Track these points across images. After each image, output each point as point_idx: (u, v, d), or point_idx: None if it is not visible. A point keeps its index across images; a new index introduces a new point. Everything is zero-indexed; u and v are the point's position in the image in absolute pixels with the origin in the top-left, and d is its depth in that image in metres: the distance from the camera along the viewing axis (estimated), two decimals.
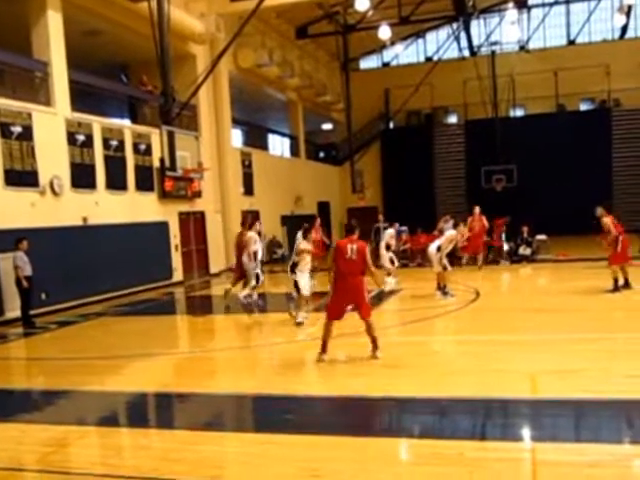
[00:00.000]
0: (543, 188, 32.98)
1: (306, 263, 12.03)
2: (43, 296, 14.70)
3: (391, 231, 17.30)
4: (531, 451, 5.50)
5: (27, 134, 15.10)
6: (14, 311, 13.99)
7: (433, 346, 10.05)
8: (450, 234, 14.60)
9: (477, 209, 20.16)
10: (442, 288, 14.23)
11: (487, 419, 6.65)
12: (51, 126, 15.91)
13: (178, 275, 20.57)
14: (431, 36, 38.56)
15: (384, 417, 6.95)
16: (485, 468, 5.12)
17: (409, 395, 7.13)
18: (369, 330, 8.77)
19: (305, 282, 11.92)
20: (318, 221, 18.77)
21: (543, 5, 35.79)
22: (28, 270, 13.47)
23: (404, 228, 23.83)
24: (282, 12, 28.00)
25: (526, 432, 6.08)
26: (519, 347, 9.25)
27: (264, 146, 32.23)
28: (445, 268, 14.35)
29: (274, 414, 6.91)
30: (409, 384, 7.57)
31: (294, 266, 11.98)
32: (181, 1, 20.75)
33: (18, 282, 13.46)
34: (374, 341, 8.77)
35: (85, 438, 6.61)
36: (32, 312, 13.91)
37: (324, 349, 8.76)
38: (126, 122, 20.54)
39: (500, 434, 6.05)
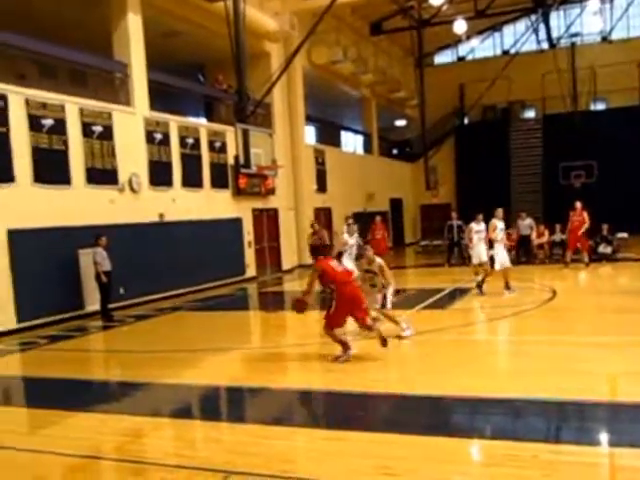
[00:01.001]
0: (625, 184, 31.79)
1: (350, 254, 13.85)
2: (121, 290, 15.17)
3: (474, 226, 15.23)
4: (609, 456, 5.33)
5: (107, 133, 15.60)
6: (94, 305, 14.48)
7: (507, 345, 9.86)
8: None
9: (578, 204, 19.29)
10: (506, 285, 14.15)
11: (563, 421, 6.46)
12: (130, 125, 16.39)
13: (251, 271, 20.86)
14: (508, 29, 37.71)
15: (457, 417, 6.84)
16: (560, 471, 4.99)
17: (483, 395, 7.00)
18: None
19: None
20: (379, 219, 19.62)
21: None
22: (107, 265, 13.95)
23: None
24: (357, 8, 27.98)
25: (604, 436, 5.89)
26: (598, 348, 8.96)
27: (337, 143, 32.30)
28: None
29: (345, 410, 6.92)
30: (483, 383, 7.43)
31: (340, 255, 12.91)
32: (256, 0, 20.99)
33: (97, 277, 13.94)
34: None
35: (160, 429, 6.79)
36: (111, 306, 14.39)
37: (345, 347, 8.80)
38: (202, 120, 20.96)
39: (577, 437, 5.86)
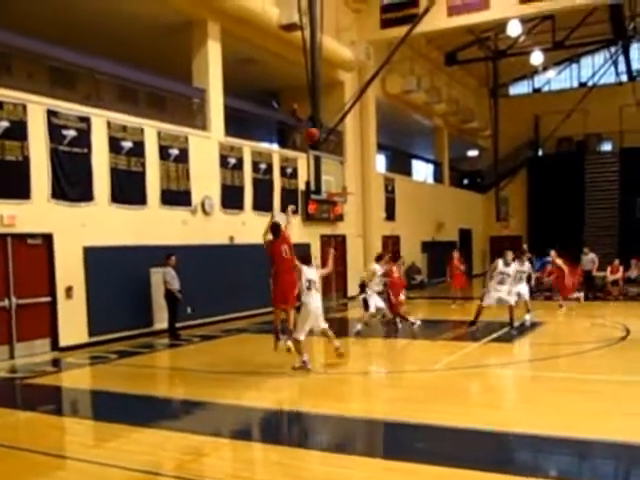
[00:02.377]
0: None
1: (375, 284, 14.17)
2: (189, 310, 15.46)
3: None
4: None
5: (183, 157, 16.05)
6: (161, 323, 14.84)
7: (576, 384, 9.51)
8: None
9: None
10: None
11: (632, 466, 6.21)
12: (205, 149, 16.82)
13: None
14: (586, 60, 37.09)
15: (520, 454, 6.65)
16: None
17: (548, 433, 6.77)
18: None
19: (373, 301, 14.10)
20: (456, 255, 20.33)
21: None
22: (176, 285, 14.35)
23: (549, 259, 22.97)
24: (432, 38, 28.06)
25: None
26: None
27: (408, 171, 32.24)
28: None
29: (404, 441, 6.83)
30: (548, 421, 7.22)
31: (363, 286, 14.02)
32: (333, 29, 21.30)
33: (167, 295, 14.28)
34: None
35: (220, 449, 6.85)
36: (178, 325, 14.68)
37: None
38: (274, 146, 21.30)
39: None
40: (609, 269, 20.62)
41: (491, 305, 14.28)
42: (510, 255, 14.38)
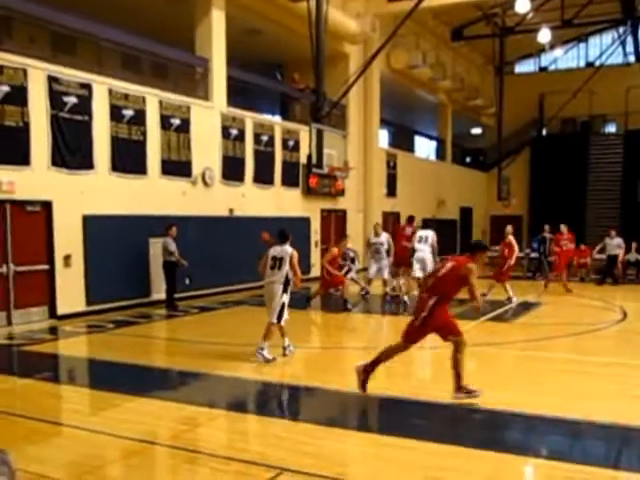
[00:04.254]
0: None
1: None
2: (187, 281, 15.44)
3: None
4: None
5: (185, 126, 15.92)
6: (159, 293, 14.83)
7: (571, 365, 9.53)
8: None
9: None
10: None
11: (624, 447, 6.25)
12: (207, 120, 16.68)
13: (315, 271, 20.89)
14: (594, 40, 36.69)
15: (513, 433, 6.68)
16: None
17: (542, 413, 6.81)
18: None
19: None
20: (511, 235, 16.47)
21: None
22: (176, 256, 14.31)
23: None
24: (439, 13, 27.70)
25: None
26: None
27: (410, 148, 32.06)
28: None
29: (400, 417, 6.85)
30: (545, 402, 7.24)
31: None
32: (339, 1, 21.04)
33: (165, 265, 14.30)
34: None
35: (216, 420, 6.88)
36: (176, 296, 14.67)
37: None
38: (277, 118, 21.15)
39: (638, 465, 5.68)
40: (622, 254, 20.47)
41: None
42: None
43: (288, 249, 9.60)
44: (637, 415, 6.77)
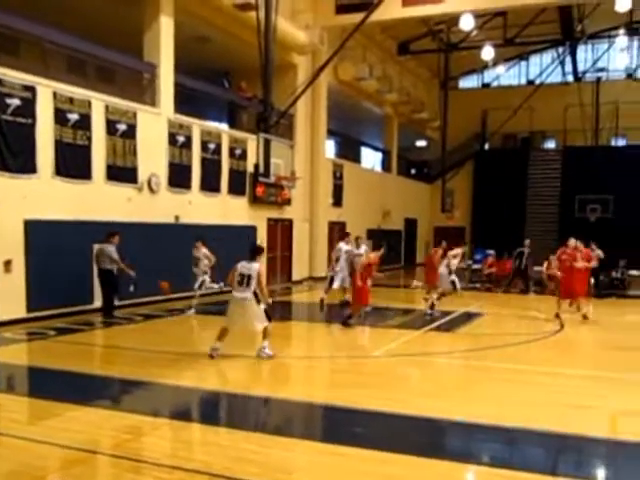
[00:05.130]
0: None
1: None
2: (131, 288, 15.25)
3: (458, 251, 16.64)
4: None
5: (131, 132, 15.77)
6: (100, 300, 14.62)
7: (509, 374, 9.78)
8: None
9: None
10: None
11: (560, 454, 6.45)
12: (154, 126, 16.56)
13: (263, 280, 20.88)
14: (535, 59, 37.82)
15: (455, 440, 6.84)
16: None
17: (482, 421, 6.98)
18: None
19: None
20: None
21: None
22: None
23: (491, 251, 23.49)
24: (386, 27, 28.14)
25: (600, 472, 5.92)
26: (602, 384, 8.93)
27: (356, 158, 32.37)
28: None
29: (344, 426, 6.93)
30: (482, 410, 7.43)
31: None
32: (288, 12, 21.17)
33: (100, 274, 14.17)
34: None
35: (159, 429, 6.84)
36: (121, 303, 14.49)
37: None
38: (224, 126, 21.12)
39: (573, 471, 5.87)
40: (545, 264, 21.00)
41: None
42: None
43: (255, 266, 9.77)
44: (571, 423, 6.98)
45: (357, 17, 19.67)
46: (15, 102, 12.87)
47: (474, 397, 8.10)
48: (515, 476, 5.50)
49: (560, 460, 6.34)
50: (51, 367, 9.56)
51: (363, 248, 16.17)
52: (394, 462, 5.80)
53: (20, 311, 13.07)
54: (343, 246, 16.46)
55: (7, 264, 12.81)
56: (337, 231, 25.87)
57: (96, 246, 14.33)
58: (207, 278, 15.08)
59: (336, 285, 16.19)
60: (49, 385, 8.71)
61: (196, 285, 15.07)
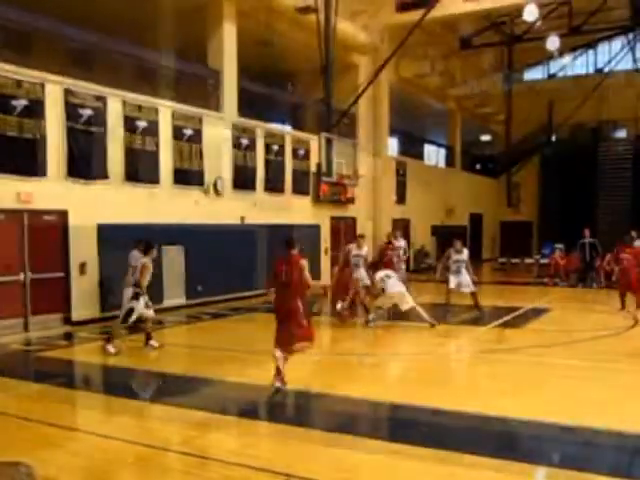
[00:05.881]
0: None
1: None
2: (199, 288, 15.73)
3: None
4: None
5: (197, 137, 16.24)
6: (173, 299, 15.21)
7: (581, 372, 9.45)
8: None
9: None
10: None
11: (635, 456, 6.27)
12: (219, 130, 17.00)
13: (325, 278, 21.12)
14: (603, 47, 36.77)
15: (524, 440, 6.69)
16: None
17: (552, 421, 6.83)
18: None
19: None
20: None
21: None
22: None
23: (560, 245, 23.05)
24: (447, 23, 27.89)
25: None
26: None
27: (419, 155, 32.28)
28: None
29: (408, 424, 6.97)
30: (552, 409, 7.28)
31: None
32: (347, 12, 21.29)
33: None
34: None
35: (227, 427, 7.06)
36: (191, 302, 14.95)
37: (279, 377, 8.11)
38: (287, 128, 21.44)
39: None
40: (606, 259, 20.41)
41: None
42: (459, 244, 14.85)
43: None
44: None
45: (417, 14, 19.69)
46: (87, 112, 13.47)
47: (541, 395, 7.98)
48: (584, 477, 5.38)
49: (635, 462, 6.16)
50: (123, 365, 9.99)
51: (365, 249, 14.90)
52: (457, 462, 5.73)
53: (95, 312, 13.67)
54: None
55: (82, 266, 13.42)
56: (402, 228, 25.91)
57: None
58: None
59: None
60: (122, 383, 9.10)
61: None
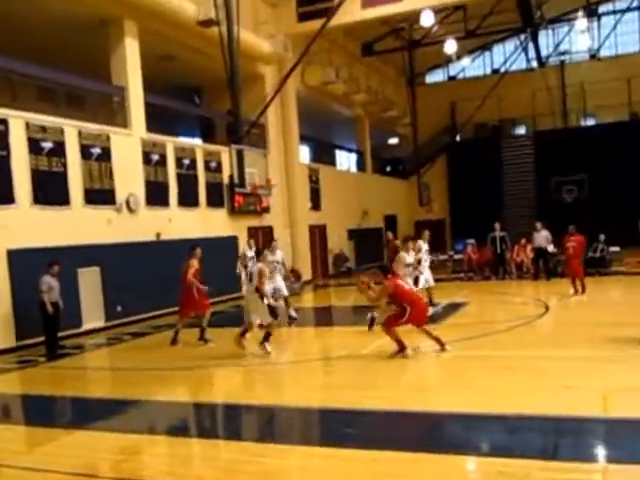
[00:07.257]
0: (615, 198, 32.07)
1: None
2: (119, 308, 15.46)
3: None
4: (602, 472, 5.34)
5: (105, 155, 15.96)
6: (91, 322, 14.84)
7: (499, 362, 9.70)
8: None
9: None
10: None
11: (556, 438, 6.42)
12: (128, 147, 16.77)
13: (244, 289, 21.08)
14: (498, 48, 38.35)
15: (449, 433, 6.82)
16: None
17: (475, 411, 7.05)
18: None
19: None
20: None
21: (614, 12, 34.95)
22: (54, 296, 12.44)
23: (471, 241, 23.80)
24: (349, 30, 28.40)
25: (597, 452, 5.94)
26: (590, 363, 8.95)
27: (331, 161, 32.70)
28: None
29: (339, 428, 6.96)
30: (474, 400, 7.46)
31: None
32: (250, 23, 21.44)
33: (41, 307, 12.29)
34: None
35: (155, 447, 6.95)
36: (110, 324, 14.68)
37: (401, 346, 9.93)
38: (197, 141, 21.34)
39: (570, 454, 5.80)
40: (517, 247, 21.47)
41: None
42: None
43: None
44: (565, 405, 7.01)
45: (319, 23, 20.02)
46: None
47: (462, 388, 8.12)
48: (511, 464, 5.48)
49: (556, 444, 6.30)
50: (41, 393, 9.69)
51: (279, 254, 14.91)
52: (387, 460, 5.80)
53: (9, 341, 13.21)
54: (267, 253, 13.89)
55: None
56: (318, 234, 26.19)
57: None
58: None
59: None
60: (41, 412, 8.80)
61: None
